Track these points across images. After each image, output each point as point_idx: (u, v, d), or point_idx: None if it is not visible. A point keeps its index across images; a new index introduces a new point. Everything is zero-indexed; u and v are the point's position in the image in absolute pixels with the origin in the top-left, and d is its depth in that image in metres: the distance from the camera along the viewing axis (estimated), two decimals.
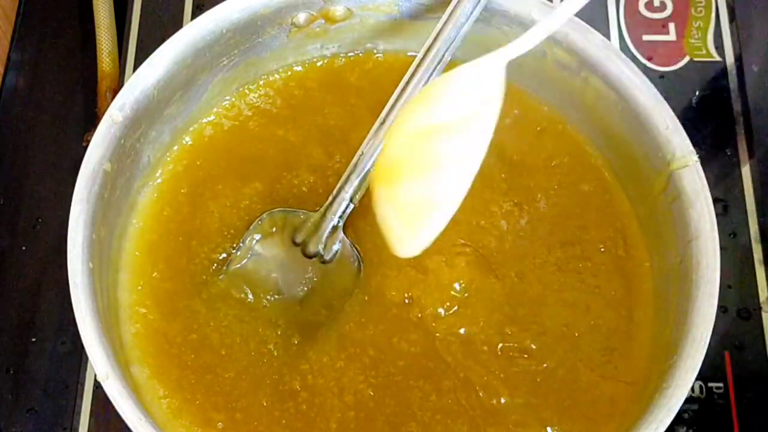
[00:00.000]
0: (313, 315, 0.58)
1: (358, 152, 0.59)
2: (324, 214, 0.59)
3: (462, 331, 0.57)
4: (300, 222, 0.60)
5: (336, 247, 0.59)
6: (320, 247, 0.59)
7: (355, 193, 0.59)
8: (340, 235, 0.59)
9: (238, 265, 0.59)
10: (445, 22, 0.57)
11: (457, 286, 0.58)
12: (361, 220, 0.60)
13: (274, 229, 0.60)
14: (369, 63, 0.67)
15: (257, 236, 0.60)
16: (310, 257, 0.60)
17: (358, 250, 0.59)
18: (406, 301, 0.58)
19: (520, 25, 0.58)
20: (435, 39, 0.57)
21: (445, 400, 0.55)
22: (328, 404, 0.56)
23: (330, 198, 0.59)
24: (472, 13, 0.57)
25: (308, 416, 0.55)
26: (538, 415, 0.56)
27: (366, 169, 0.58)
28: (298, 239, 0.60)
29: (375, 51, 0.67)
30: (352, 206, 0.59)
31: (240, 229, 0.61)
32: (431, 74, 0.57)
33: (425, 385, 0.56)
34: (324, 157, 0.63)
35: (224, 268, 0.59)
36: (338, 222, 0.59)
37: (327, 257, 0.59)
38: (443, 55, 0.57)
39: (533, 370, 0.57)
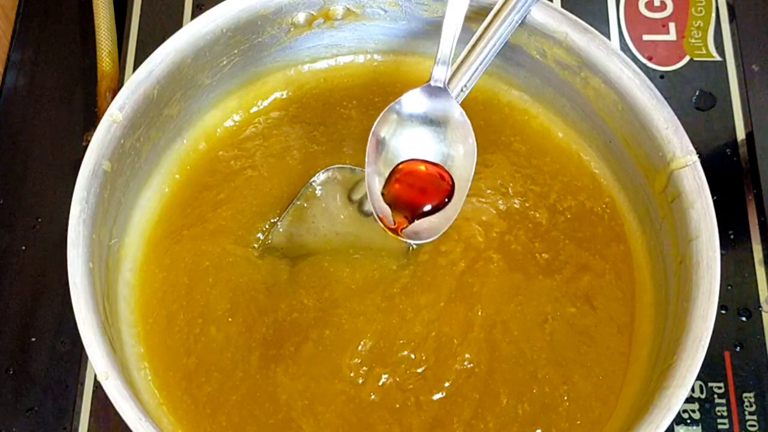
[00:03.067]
0: (363, 279, 0.59)
1: None
2: None
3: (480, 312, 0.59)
4: (358, 179, 0.61)
5: None
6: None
7: None
8: None
9: (290, 221, 0.60)
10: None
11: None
12: None
13: (332, 185, 0.61)
14: (370, 63, 0.67)
15: (318, 189, 0.61)
16: (366, 215, 0.60)
17: None
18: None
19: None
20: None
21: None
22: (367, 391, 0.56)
23: None
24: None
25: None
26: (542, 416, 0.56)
27: None
28: (355, 197, 0.60)
29: (376, 51, 0.67)
30: None
31: (239, 230, 0.61)
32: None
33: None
34: (327, 157, 0.63)
35: (276, 226, 0.60)
36: None
37: None
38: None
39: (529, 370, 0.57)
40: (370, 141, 0.55)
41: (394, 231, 0.54)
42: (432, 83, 0.56)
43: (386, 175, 0.56)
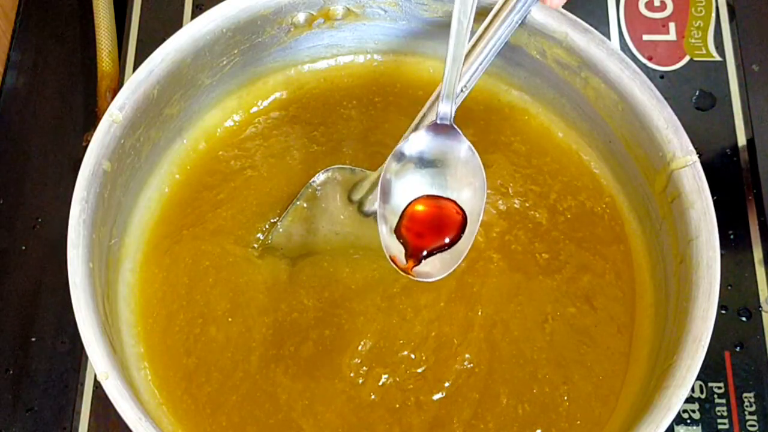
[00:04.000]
0: (363, 279, 0.59)
1: (422, 110, 0.57)
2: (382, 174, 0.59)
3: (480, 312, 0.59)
4: (358, 180, 0.60)
5: None
6: (377, 205, 0.59)
7: None
8: None
9: (290, 221, 0.60)
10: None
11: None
12: None
13: (331, 185, 0.61)
14: (370, 63, 0.67)
15: (318, 190, 0.60)
16: (365, 216, 0.60)
17: None
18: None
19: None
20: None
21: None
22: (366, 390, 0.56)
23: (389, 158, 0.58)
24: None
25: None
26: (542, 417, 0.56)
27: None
28: (355, 197, 0.60)
29: (376, 51, 0.67)
30: None
31: (239, 230, 0.61)
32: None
33: None
34: (327, 157, 0.63)
35: (276, 226, 0.60)
36: None
37: None
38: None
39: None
40: (380, 184, 0.54)
41: (405, 271, 0.53)
42: (438, 122, 0.54)
43: (398, 214, 0.55)
